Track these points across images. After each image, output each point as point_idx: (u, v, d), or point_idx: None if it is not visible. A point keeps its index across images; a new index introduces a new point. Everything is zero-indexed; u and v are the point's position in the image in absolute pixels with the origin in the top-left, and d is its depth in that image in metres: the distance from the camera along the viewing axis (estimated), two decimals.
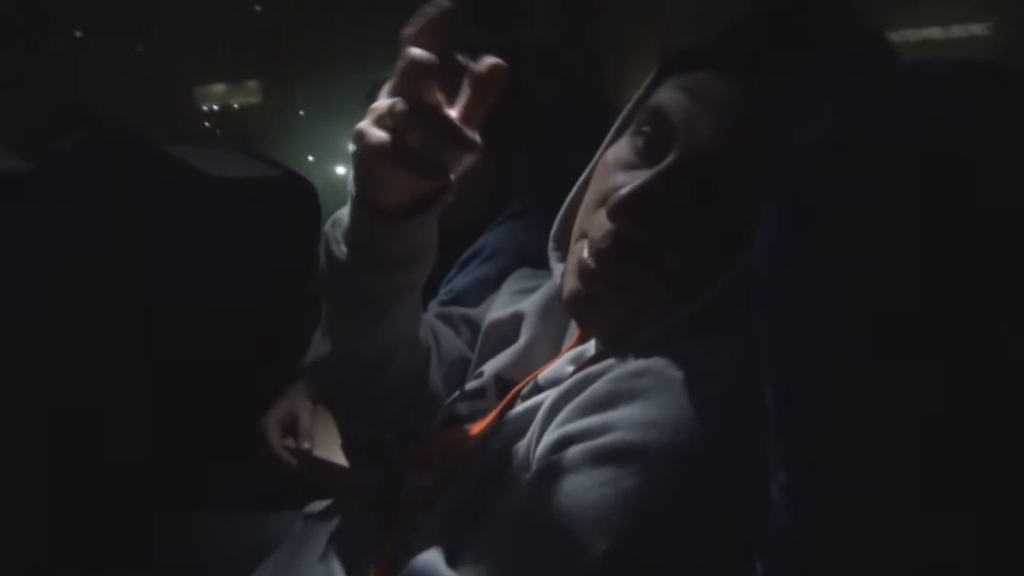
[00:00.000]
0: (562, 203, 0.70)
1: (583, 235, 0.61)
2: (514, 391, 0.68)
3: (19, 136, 1.39)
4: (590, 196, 0.62)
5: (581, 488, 0.50)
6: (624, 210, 0.56)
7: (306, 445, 1.15)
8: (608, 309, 0.59)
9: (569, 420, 0.54)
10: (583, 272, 0.59)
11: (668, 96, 0.58)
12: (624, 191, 0.56)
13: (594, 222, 0.60)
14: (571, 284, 0.61)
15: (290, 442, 1.16)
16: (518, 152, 1.14)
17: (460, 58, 0.53)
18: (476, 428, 0.67)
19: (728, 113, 0.55)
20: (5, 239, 1.19)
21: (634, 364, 0.54)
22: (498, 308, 0.82)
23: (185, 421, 1.24)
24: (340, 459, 1.17)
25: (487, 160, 1.12)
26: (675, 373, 0.52)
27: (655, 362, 0.53)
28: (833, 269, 0.40)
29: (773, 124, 0.52)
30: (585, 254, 0.59)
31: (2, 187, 1.25)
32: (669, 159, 0.56)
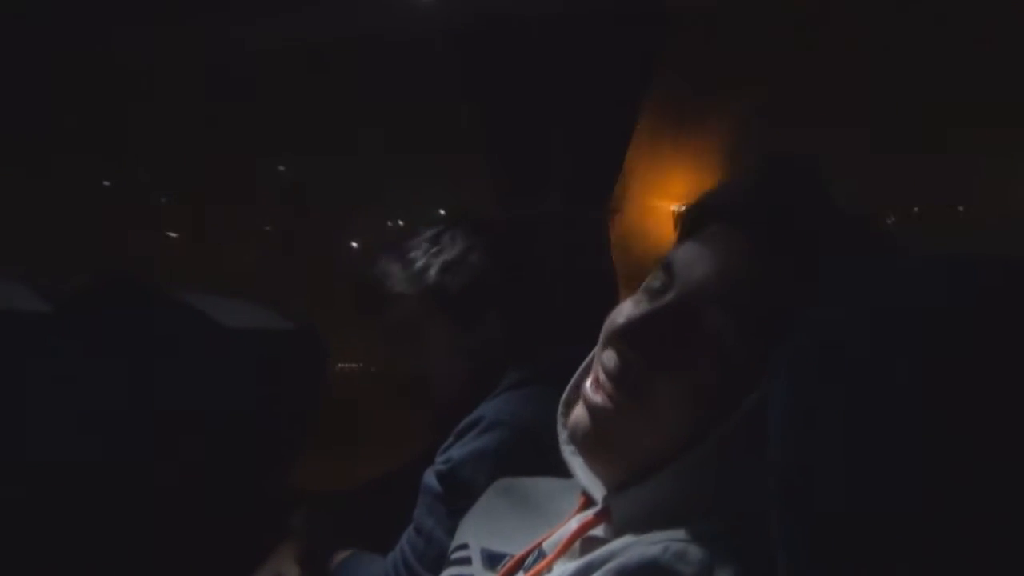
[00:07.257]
0: (561, 376, 0.71)
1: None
2: (517, 558, 0.68)
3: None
4: (600, 340, 0.66)
5: None
6: (622, 336, 0.61)
7: None
8: (609, 438, 0.61)
9: None
10: (586, 400, 0.63)
11: (678, 249, 0.64)
12: (622, 318, 0.62)
13: (600, 358, 0.64)
14: (578, 414, 0.64)
15: None
16: (513, 323, 1.15)
17: None
18: None
19: (726, 259, 0.60)
20: (13, 377, 1.19)
21: (635, 555, 0.54)
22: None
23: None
24: None
25: (453, 344, 1.15)
26: (680, 566, 0.52)
27: (656, 551, 0.53)
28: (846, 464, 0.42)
29: (773, 279, 0.57)
30: (588, 384, 0.63)
31: (19, 325, 1.26)
32: (668, 296, 0.61)
